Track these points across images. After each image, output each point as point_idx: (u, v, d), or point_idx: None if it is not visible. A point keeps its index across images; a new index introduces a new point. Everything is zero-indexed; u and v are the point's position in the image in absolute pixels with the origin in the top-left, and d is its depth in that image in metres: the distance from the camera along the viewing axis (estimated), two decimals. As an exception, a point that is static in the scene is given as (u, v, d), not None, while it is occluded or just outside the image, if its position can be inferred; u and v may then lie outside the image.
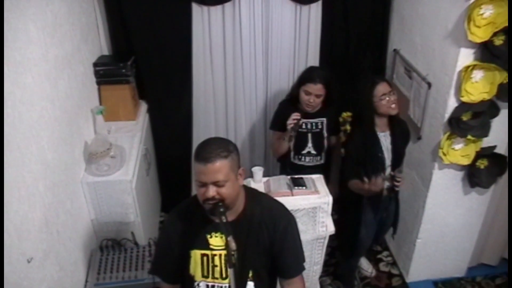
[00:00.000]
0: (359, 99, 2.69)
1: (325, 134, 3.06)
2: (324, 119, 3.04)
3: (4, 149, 1.71)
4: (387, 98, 2.60)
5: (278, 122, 3.06)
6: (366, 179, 2.60)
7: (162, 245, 1.97)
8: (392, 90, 2.66)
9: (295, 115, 2.83)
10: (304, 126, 2.99)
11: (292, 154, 3.11)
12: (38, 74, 2.10)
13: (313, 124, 3.03)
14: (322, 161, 3.13)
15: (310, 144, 3.06)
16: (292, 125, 2.83)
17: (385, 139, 2.73)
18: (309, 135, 3.05)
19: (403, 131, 2.85)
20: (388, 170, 2.75)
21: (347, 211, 2.96)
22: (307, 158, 3.10)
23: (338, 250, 3.48)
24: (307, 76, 2.93)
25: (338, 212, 3.10)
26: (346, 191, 2.81)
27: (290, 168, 3.14)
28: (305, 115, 2.94)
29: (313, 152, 3.08)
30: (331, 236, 2.72)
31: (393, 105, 2.63)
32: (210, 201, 1.69)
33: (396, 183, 2.67)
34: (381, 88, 2.61)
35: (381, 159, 2.71)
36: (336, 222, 2.76)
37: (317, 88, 2.87)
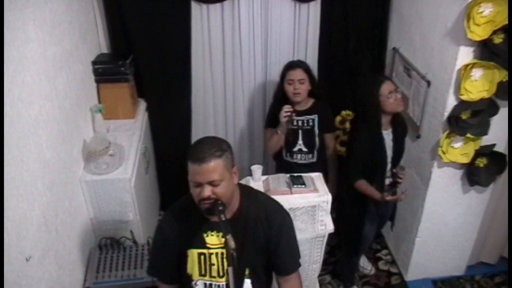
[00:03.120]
0: (364, 99, 2.70)
1: (317, 132, 3.06)
2: (316, 116, 3.04)
3: (3, 147, 1.71)
4: (394, 96, 2.64)
5: (271, 119, 3.09)
6: (381, 194, 2.67)
7: (158, 245, 1.95)
8: (396, 88, 2.71)
9: (287, 107, 2.85)
10: (295, 123, 3.00)
11: (284, 152, 3.12)
12: (37, 73, 2.10)
13: (304, 121, 3.03)
14: (314, 159, 3.12)
15: (300, 142, 3.06)
16: (286, 118, 2.85)
17: (387, 137, 2.75)
18: (300, 132, 3.05)
19: (403, 126, 2.89)
20: (389, 166, 2.79)
21: (350, 209, 2.96)
22: (299, 156, 3.10)
23: (340, 248, 3.48)
24: (285, 67, 3.00)
25: (339, 210, 3.12)
26: (348, 189, 2.82)
27: (283, 167, 3.14)
28: (297, 112, 2.95)
29: (304, 149, 3.08)
30: (330, 235, 2.72)
31: (400, 102, 2.68)
32: (205, 201, 1.69)
33: (399, 180, 2.69)
34: (387, 86, 2.64)
35: (384, 157, 2.75)
36: (337, 220, 2.77)
37: (297, 73, 2.92)
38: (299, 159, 3.11)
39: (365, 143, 2.69)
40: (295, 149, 3.08)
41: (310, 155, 3.10)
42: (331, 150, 3.16)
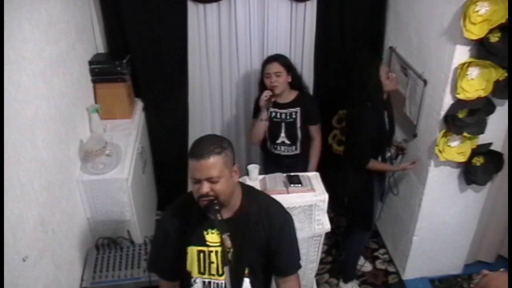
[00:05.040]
0: (367, 80, 2.77)
1: (299, 124, 3.10)
2: (298, 109, 3.09)
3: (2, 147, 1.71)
4: (391, 75, 2.80)
5: (255, 111, 3.17)
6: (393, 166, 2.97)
7: (158, 241, 1.96)
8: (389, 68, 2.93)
9: (266, 92, 2.97)
10: (278, 116, 3.08)
11: (268, 143, 3.20)
12: (33, 72, 2.09)
13: (287, 114, 3.09)
14: (298, 151, 3.18)
15: (283, 134, 3.12)
16: (265, 100, 2.95)
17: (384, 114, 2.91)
18: (283, 124, 3.11)
19: (390, 103, 3.00)
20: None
21: (359, 196, 3.02)
22: (282, 148, 3.17)
23: (337, 247, 3.49)
24: (263, 62, 3.09)
25: (347, 202, 3.18)
26: (355, 177, 2.94)
27: (269, 158, 3.29)
28: (279, 105, 3.06)
29: (287, 142, 3.14)
30: (327, 234, 2.72)
31: (397, 81, 2.89)
32: (204, 198, 1.69)
33: (405, 152, 2.84)
34: (384, 67, 2.82)
35: (387, 131, 2.93)
36: (347, 203, 3.02)
37: (272, 67, 2.98)
38: (282, 150, 3.18)
39: (373, 122, 2.79)
40: (278, 141, 3.15)
41: (293, 147, 3.17)
42: (317, 141, 3.20)
